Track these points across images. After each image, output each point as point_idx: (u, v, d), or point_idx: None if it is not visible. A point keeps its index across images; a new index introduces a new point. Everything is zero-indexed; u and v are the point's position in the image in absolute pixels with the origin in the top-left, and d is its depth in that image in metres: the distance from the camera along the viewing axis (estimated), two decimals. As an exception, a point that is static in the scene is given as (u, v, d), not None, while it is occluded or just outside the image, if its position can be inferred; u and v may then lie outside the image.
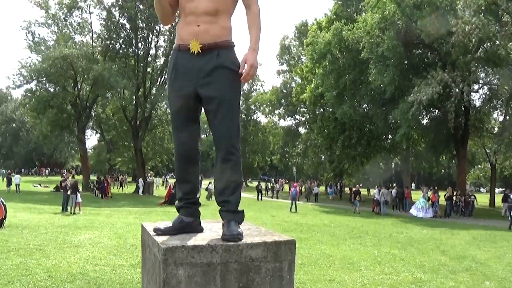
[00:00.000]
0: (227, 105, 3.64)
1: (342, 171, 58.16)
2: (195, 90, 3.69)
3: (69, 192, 25.34)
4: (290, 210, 33.04)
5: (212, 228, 4.03)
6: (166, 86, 3.69)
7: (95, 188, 45.25)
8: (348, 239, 17.31)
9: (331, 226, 22.40)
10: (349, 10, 50.54)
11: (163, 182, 70.81)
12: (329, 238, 17.27)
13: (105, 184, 42.55)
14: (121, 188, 58.23)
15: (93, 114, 57.56)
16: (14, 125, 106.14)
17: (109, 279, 8.36)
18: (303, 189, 58.86)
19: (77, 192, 25.34)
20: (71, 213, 24.18)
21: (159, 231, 3.66)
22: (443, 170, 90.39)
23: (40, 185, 56.58)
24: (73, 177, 37.52)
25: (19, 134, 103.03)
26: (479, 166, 70.46)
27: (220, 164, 3.72)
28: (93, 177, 60.72)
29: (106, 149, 79.87)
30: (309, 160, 73.71)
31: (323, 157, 65.05)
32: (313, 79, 51.96)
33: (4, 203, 15.55)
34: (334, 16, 50.74)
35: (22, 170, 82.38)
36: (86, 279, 8.26)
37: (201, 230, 3.87)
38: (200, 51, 3.67)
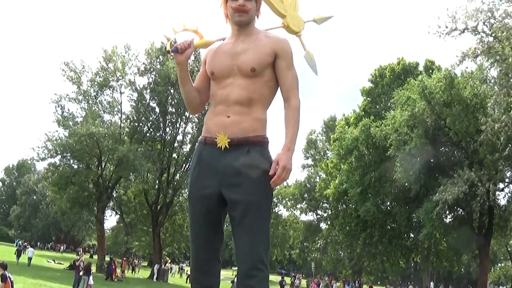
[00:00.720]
0: (255, 212, 3.22)
1: (361, 269, 57.10)
2: (219, 191, 3.29)
3: (81, 273, 24.73)
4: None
5: None
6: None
7: (107, 270, 44.12)
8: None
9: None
10: (377, 106, 50.71)
11: (179, 269, 69.73)
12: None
13: (113, 266, 41.85)
14: (133, 272, 56.93)
15: (114, 195, 56.97)
16: (35, 197, 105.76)
17: None
18: (321, 286, 57.68)
19: (90, 274, 24.87)
20: (81, 294, 23.60)
21: None
22: (463, 269, 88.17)
23: (54, 261, 55.57)
24: (91, 256, 36.96)
25: (39, 206, 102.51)
26: (501, 264, 68.74)
27: (242, 280, 3.22)
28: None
29: (124, 231, 79.16)
30: (328, 256, 72.52)
31: (342, 253, 64.05)
32: (338, 175, 51.65)
33: (12, 278, 14.90)
34: (363, 113, 50.95)
35: (38, 244, 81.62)
36: None
37: None
38: (227, 146, 3.30)
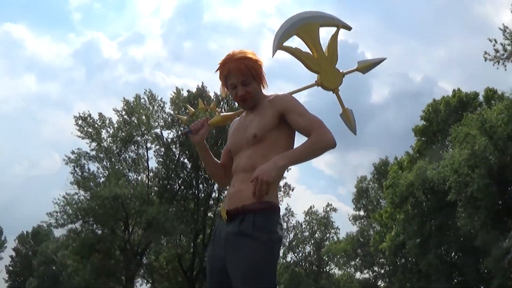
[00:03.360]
0: (245, 284, 3.32)
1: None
2: (224, 262, 3.50)
3: None
4: None
5: None
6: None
7: None
8: None
9: None
10: (433, 146, 49.66)
11: None
12: None
13: None
14: None
15: (145, 262, 56.31)
16: (54, 267, 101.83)
17: None
18: None
19: None
20: None
21: None
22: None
23: None
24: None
25: (59, 278, 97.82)
26: None
27: None
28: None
29: (158, 302, 78.09)
30: (389, 319, 70.58)
31: (404, 315, 62.32)
32: (394, 226, 50.60)
33: None
34: (417, 154, 49.98)
35: None
36: None
37: None
38: (226, 217, 3.53)
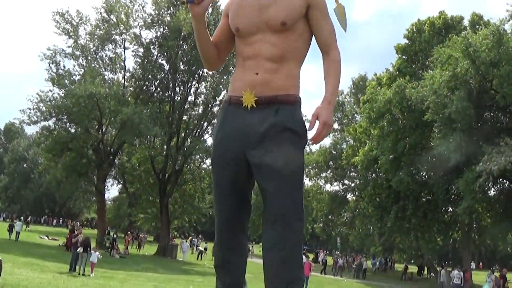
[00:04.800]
0: (283, 178, 3.03)
1: (392, 246, 56.48)
2: (244, 155, 3.17)
3: (79, 250, 24.24)
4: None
5: None
6: (210, 143, 3.07)
7: (110, 246, 43.57)
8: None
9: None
10: (414, 66, 49.67)
11: (190, 244, 69.27)
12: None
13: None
14: (138, 248, 56.28)
15: (117, 162, 56.15)
16: (25, 165, 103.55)
17: None
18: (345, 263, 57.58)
19: (91, 251, 24.50)
20: (79, 274, 23.20)
21: None
22: (509, 248, 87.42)
23: (47, 237, 54.35)
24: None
25: (30, 176, 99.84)
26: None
27: (269, 253, 3.09)
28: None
29: (127, 203, 78.37)
30: (356, 231, 71.85)
31: (371, 228, 63.44)
32: (368, 141, 51.03)
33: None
34: (397, 72, 49.94)
35: (30, 218, 79.43)
36: None
37: None
38: (254, 105, 3.17)
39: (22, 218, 63.88)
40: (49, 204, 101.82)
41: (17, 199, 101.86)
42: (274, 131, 3.10)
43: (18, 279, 16.32)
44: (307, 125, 3.15)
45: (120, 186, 77.72)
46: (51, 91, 44.70)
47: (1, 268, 14.05)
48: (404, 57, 51.43)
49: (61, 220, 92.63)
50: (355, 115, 73.87)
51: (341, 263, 54.93)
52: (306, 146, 3.29)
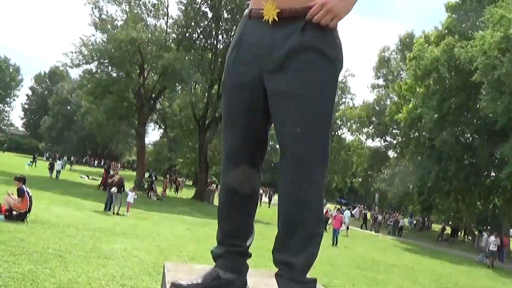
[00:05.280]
0: (305, 110, 2.44)
1: (431, 206, 55.91)
2: (261, 76, 2.54)
3: (113, 190, 24.25)
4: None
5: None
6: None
7: (148, 188, 44.50)
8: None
9: (414, 269, 20.92)
10: (464, 25, 48.33)
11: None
12: (411, 285, 15.85)
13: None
14: (176, 191, 57.16)
15: (158, 107, 56.31)
16: (69, 107, 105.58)
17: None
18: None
19: (126, 191, 24.65)
20: (114, 213, 23.37)
21: None
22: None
23: (87, 176, 55.32)
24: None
25: (73, 118, 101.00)
26: None
27: (285, 194, 2.51)
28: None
29: (167, 147, 79.15)
30: (395, 188, 71.42)
31: (411, 187, 62.97)
32: (412, 99, 50.34)
33: (30, 193, 14.25)
34: (446, 31, 48.73)
35: (72, 158, 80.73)
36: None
37: None
38: (276, 19, 2.47)
39: (65, 158, 65.01)
40: (92, 145, 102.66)
41: (60, 140, 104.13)
42: (298, 52, 2.46)
43: (50, 215, 16.51)
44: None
45: (160, 130, 78.52)
46: (94, 35, 45.06)
47: (32, 202, 14.17)
48: (454, 16, 50.22)
49: (102, 161, 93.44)
50: (401, 72, 72.84)
51: (380, 219, 54.96)
52: (339, 75, 2.63)
